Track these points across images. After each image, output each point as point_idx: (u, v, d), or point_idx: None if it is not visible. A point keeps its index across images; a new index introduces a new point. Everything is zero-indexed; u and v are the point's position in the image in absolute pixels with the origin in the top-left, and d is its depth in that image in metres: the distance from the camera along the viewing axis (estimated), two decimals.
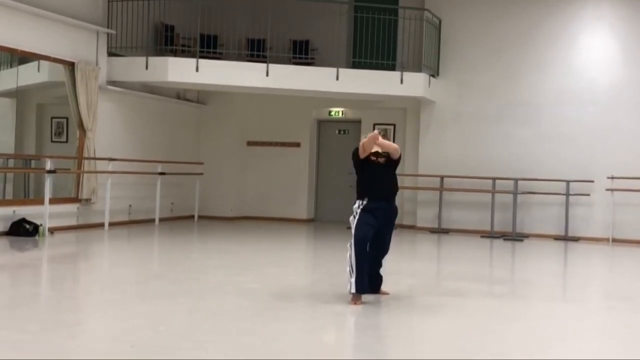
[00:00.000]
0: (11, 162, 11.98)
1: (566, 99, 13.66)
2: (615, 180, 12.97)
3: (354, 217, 6.46)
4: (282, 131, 15.66)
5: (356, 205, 6.50)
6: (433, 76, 14.04)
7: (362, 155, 6.50)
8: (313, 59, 14.62)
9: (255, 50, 14.23)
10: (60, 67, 11.81)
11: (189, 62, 12.74)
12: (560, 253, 11.82)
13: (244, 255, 10.17)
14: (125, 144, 13.20)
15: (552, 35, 13.77)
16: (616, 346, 5.39)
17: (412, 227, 14.47)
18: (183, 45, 14.08)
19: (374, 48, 13.81)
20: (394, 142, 14.79)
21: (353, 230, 6.41)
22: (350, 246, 6.37)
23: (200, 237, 12.62)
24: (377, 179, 6.56)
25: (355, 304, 6.26)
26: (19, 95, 12.03)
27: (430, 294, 7.31)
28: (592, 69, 13.55)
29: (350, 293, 6.31)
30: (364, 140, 6.51)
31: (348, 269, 6.35)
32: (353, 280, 6.28)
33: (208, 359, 4.52)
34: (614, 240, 13.01)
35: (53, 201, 11.20)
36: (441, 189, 13.99)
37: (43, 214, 10.82)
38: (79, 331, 5.29)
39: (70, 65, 11.80)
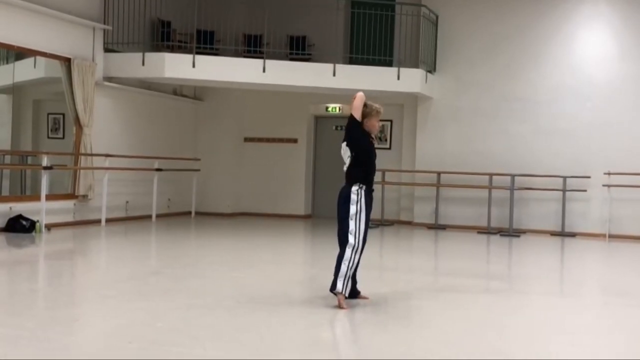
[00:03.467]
0: (7, 159, 11.96)
1: (563, 94, 13.66)
2: (612, 175, 12.99)
3: (359, 205, 6.05)
4: (279, 127, 15.65)
5: (356, 189, 6.09)
6: (430, 72, 14.04)
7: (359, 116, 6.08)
8: (310, 54, 14.60)
9: (252, 46, 14.22)
10: (57, 63, 11.79)
11: (185, 58, 12.72)
12: (557, 249, 11.83)
13: (241, 251, 10.17)
14: (122, 140, 13.18)
15: (550, 31, 13.76)
16: (612, 341, 5.40)
17: (409, 223, 14.48)
18: (180, 41, 14.05)
19: (371, 44, 13.81)
20: (391, 138, 15.01)
21: (360, 225, 6.02)
22: (355, 248, 6.03)
23: (197, 233, 12.61)
24: (374, 163, 6.28)
25: (346, 308, 5.99)
26: (15, 91, 12.01)
27: (428, 290, 7.32)
28: (589, 64, 13.56)
29: (342, 294, 6.03)
30: (355, 102, 6.06)
31: (344, 268, 6.01)
32: (344, 282, 6.01)
33: (206, 355, 4.52)
34: (611, 236, 13.03)
35: (50, 197, 11.17)
36: (438, 185, 13.99)
37: (40, 210, 10.80)
38: (77, 327, 5.29)
39: (67, 61, 11.77)
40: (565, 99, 13.65)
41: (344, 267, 6.06)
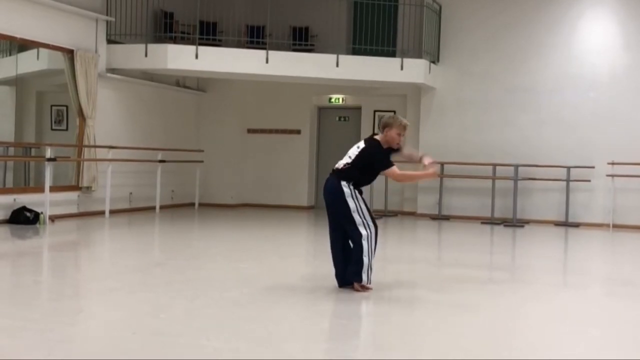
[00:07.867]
0: (11, 151, 11.99)
1: (566, 84, 13.62)
2: (615, 166, 12.96)
3: (355, 199, 6.08)
4: (282, 118, 15.64)
5: (346, 183, 6.09)
6: (433, 62, 14.00)
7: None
8: (313, 45, 14.57)
9: (255, 37, 14.20)
10: (60, 54, 11.78)
11: (188, 49, 12.70)
12: (561, 239, 11.83)
13: (245, 242, 10.18)
14: (125, 131, 13.19)
15: (552, 20, 13.72)
16: (618, 332, 5.39)
17: (412, 214, 14.48)
18: (182, 32, 14.03)
19: (374, 34, 13.77)
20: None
21: (364, 214, 6.06)
22: (369, 238, 6.05)
23: (200, 224, 12.63)
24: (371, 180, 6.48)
25: (368, 289, 6.17)
26: (18, 83, 12.02)
27: (431, 281, 7.32)
28: (592, 54, 13.51)
29: (368, 285, 6.16)
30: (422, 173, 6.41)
31: (366, 260, 6.05)
32: (368, 274, 6.13)
33: (209, 346, 4.53)
34: (614, 226, 13.01)
35: (53, 189, 11.19)
36: (442, 175, 13.98)
37: (43, 202, 10.82)
38: (81, 319, 5.30)
39: (70, 53, 11.77)
40: (568, 89, 13.60)
41: (365, 260, 6.08)
